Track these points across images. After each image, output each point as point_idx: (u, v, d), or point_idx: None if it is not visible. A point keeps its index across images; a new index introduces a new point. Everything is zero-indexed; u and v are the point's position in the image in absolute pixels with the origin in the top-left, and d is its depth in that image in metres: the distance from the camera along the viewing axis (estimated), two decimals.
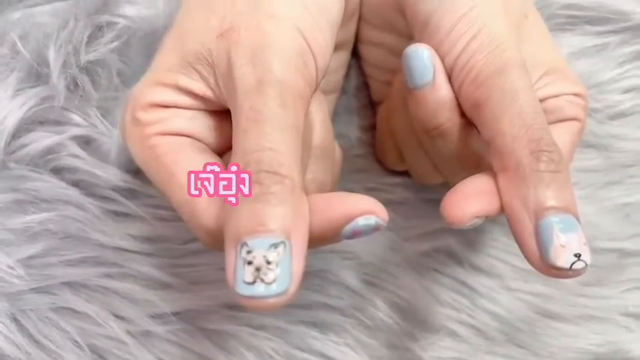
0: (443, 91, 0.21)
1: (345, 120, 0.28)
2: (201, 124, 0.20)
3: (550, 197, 0.18)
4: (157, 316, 0.24)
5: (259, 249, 0.16)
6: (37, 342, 0.22)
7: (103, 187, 0.24)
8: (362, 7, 0.26)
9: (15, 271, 0.23)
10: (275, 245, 0.16)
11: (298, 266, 0.16)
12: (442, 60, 0.21)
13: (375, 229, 0.18)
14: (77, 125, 0.23)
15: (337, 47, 0.26)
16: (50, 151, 0.23)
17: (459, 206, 0.19)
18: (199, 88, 0.20)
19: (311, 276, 0.25)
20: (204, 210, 0.18)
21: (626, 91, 0.30)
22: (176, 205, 0.19)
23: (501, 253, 0.27)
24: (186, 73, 0.20)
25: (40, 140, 0.23)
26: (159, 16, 0.25)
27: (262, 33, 0.19)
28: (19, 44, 0.23)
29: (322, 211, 0.18)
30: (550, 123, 0.23)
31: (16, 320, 0.23)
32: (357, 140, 0.28)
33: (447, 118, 0.21)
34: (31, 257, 0.23)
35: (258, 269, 0.16)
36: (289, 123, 0.18)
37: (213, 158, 0.20)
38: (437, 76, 0.21)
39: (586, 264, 0.17)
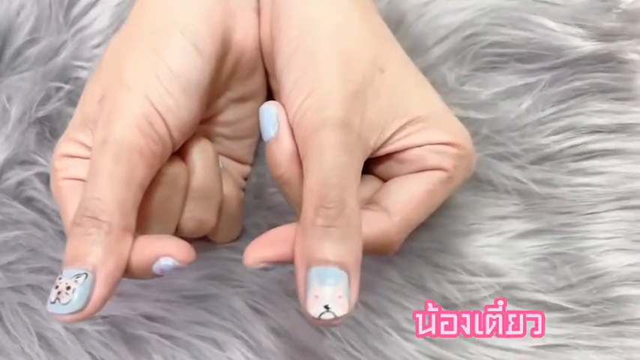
0: (284, 144, 0.23)
1: (263, 161, 0.31)
2: None
3: (319, 250, 0.20)
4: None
5: (66, 278, 0.21)
6: (5, 328, 0.30)
7: (55, 214, 0.30)
8: (264, 62, 0.28)
9: None
10: (77, 275, 0.20)
11: (99, 293, 0.21)
12: (288, 116, 0.23)
13: (177, 268, 0.22)
14: (41, 165, 0.31)
15: (244, 99, 0.29)
16: (21, 184, 0.31)
17: (252, 250, 0.21)
18: (91, 142, 0.25)
19: (209, 299, 0.29)
20: None
21: (557, 132, 0.28)
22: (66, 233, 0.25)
23: (394, 295, 0.28)
24: (83, 131, 0.25)
25: (16, 176, 0.31)
26: None
27: (116, 101, 0.23)
28: (7, 104, 0.31)
29: (138, 250, 0.22)
30: (409, 173, 0.24)
31: None
32: (271, 179, 0.31)
33: (285, 169, 0.23)
34: (9, 263, 0.31)
35: (59, 292, 0.20)
36: (120, 176, 0.22)
37: None
38: (280, 131, 0.23)
39: (335, 316, 0.19)
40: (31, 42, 0.32)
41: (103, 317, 0.30)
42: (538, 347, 0.27)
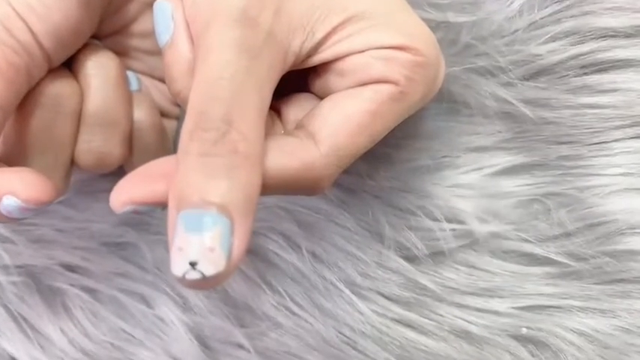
0: (180, 51, 0.18)
1: None
2: None
3: (190, 186, 0.15)
4: (3, 267, 0.26)
5: None
6: None
7: None
8: None
9: None
10: None
11: None
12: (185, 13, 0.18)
13: (25, 209, 0.17)
14: None
15: None
16: None
17: (119, 190, 0.17)
18: None
19: (129, 246, 0.25)
20: None
21: (556, 38, 0.21)
22: None
23: (345, 243, 0.23)
24: None
25: None
26: None
27: None
28: None
29: None
30: (349, 87, 0.19)
31: None
32: None
33: (184, 83, 0.18)
34: None
35: None
36: None
37: None
38: (175, 34, 0.18)
39: (204, 276, 0.14)
40: None
41: (18, 267, 0.26)
42: (522, 309, 0.22)
